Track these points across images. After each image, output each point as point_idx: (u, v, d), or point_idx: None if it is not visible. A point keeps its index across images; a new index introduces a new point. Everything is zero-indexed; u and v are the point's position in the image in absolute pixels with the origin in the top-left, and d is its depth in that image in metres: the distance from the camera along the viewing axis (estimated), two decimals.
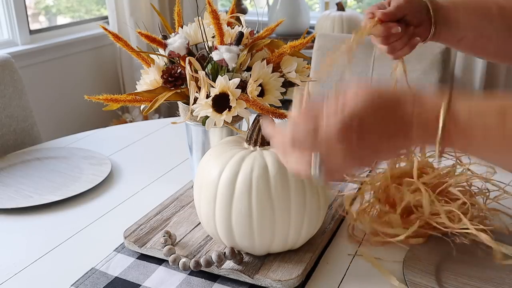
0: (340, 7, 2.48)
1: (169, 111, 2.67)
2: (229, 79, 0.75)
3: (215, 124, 0.76)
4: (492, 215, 0.79)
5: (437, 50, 1.54)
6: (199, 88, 0.78)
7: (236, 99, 0.76)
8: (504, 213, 0.80)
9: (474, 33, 0.81)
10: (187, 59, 0.77)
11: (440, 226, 0.73)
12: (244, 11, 2.65)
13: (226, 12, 0.89)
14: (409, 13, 0.77)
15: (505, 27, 0.79)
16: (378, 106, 0.49)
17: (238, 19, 0.87)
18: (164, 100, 0.78)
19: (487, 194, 0.81)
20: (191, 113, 0.78)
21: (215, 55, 0.77)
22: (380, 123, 0.49)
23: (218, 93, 0.76)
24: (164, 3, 2.72)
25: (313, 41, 1.74)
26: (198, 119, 0.79)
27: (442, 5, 0.79)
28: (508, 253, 0.69)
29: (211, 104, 0.76)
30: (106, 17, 2.69)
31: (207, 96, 0.76)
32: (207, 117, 0.77)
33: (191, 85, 0.77)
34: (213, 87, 0.76)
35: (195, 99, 0.77)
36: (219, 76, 0.75)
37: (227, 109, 0.76)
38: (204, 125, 0.79)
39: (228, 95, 0.75)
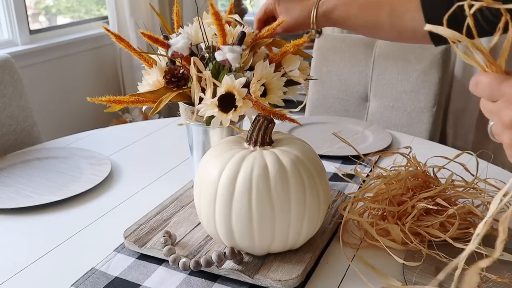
0: None
1: (170, 111, 2.67)
2: None
3: (221, 124, 0.76)
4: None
5: (437, 50, 1.55)
6: (203, 89, 0.78)
7: (242, 99, 0.76)
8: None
9: (363, 31, 0.92)
10: (191, 59, 0.77)
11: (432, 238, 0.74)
12: (244, 11, 2.65)
13: (226, 12, 0.89)
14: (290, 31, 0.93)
15: (394, 31, 0.86)
16: None
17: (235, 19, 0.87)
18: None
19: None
20: (197, 113, 0.78)
21: (218, 56, 0.77)
22: None
23: (223, 93, 0.76)
24: (164, 3, 2.71)
25: (313, 41, 1.75)
26: (204, 119, 0.79)
27: (332, 10, 0.89)
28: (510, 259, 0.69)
29: (217, 104, 0.76)
30: (106, 17, 2.69)
31: (212, 96, 0.76)
32: (211, 117, 0.77)
33: (196, 86, 0.77)
34: (217, 87, 0.76)
35: (200, 99, 0.77)
36: (225, 76, 0.75)
37: (233, 109, 0.76)
38: (208, 125, 0.79)
39: (233, 95, 0.75)
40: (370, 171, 1.04)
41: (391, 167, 0.90)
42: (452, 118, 2.08)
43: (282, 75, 0.82)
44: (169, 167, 1.09)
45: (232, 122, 0.78)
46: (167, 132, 1.32)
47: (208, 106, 0.76)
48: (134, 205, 0.93)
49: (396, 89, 1.57)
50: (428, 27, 0.50)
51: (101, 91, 2.63)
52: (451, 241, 0.71)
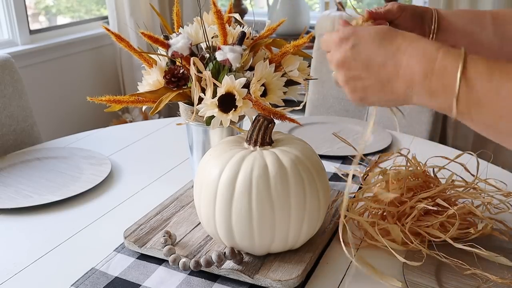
0: (340, 7, 2.48)
1: (170, 111, 2.67)
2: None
3: (221, 124, 0.76)
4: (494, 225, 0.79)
5: None
6: (203, 89, 0.78)
7: (242, 99, 0.76)
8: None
9: (467, 39, 0.87)
10: (191, 59, 0.77)
11: (432, 238, 0.74)
12: (244, 11, 2.65)
13: (226, 12, 0.89)
14: (401, 18, 0.85)
15: (497, 35, 0.83)
16: (378, 31, 0.55)
17: (236, 19, 0.87)
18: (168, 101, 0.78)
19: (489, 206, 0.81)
20: (197, 113, 0.78)
21: (219, 55, 0.77)
22: (375, 42, 0.54)
23: (223, 93, 0.76)
24: (164, 3, 2.71)
25: (313, 41, 1.75)
26: (204, 119, 0.79)
27: (440, 12, 0.86)
28: (506, 263, 0.70)
29: (217, 104, 0.76)
30: (106, 17, 2.69)
31: (213, 96, 0.76)
32: (211, 117, 0.77)
33: (196, 86, 0.77)
34: (218, 87, 0.76)
35: (200, 99, 0.77)
36: (226, 76, 0.75)
37: (233, 109, 0.76)
38: (208, 125, 0.79)
39: (233, 95, 0.75)
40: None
41: (391, 167, 0.90)
42: (452, 118, 2.08)
43: (282, 75, 0.82)
44: (169, 167, 1.09)
45: (232, 122, 0.78)
46: (167, 132, 1.32)
47: (208, 106, 0.76)
48: (134, 205, 0.93)
49: None
50: None
51: (101, 91, 2.63)
52: (451, 241, 0.71)
